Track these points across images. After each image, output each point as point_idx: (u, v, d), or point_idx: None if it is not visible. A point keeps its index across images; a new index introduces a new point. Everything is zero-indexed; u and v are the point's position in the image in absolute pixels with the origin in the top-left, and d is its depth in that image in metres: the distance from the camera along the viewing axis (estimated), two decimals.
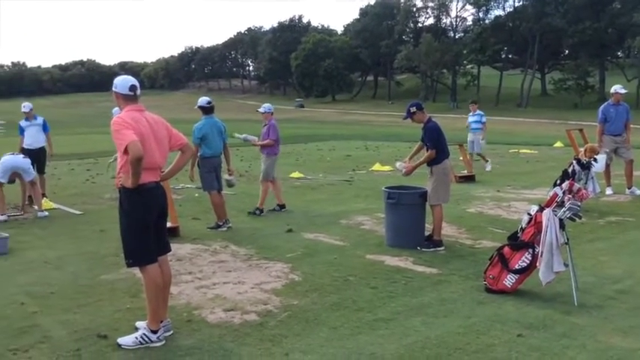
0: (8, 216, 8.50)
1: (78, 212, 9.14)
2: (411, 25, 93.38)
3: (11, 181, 8.65)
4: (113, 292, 4.94)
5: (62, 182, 12.87)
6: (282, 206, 8.89)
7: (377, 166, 14.77)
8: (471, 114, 14.09)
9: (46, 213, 8.76)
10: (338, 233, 7.14)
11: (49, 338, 3.94)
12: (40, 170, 9.90)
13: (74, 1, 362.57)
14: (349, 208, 8.94)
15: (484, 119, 13.94)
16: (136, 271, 5.48)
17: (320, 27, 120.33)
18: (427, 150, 6.39)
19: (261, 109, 8.96)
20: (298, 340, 3.83)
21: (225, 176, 7.96)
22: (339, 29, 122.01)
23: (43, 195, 9.89)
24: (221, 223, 7.57)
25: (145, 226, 3.82)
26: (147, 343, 3.79)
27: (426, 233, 6.45)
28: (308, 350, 3.68)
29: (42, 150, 9.95)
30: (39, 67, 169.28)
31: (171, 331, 3.99)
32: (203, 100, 7.78)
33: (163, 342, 3.85)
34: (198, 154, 7.53)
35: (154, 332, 3.84)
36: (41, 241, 7.06)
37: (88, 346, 3.80)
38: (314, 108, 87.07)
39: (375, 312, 4.38)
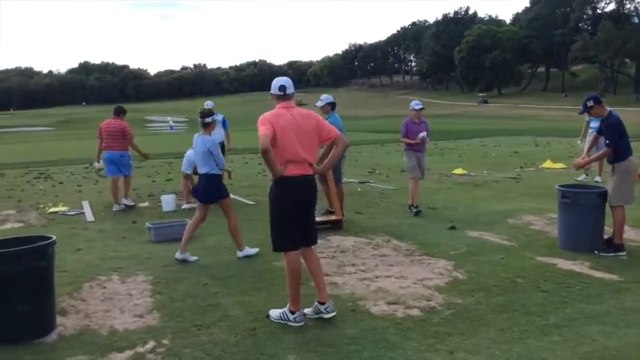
0: (192, 206, 9.36)
1: (251, 203, 9.81)
2: (589, 11, 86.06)
3: (195, 172, 9.53)
4: (284, 278, 5.21)
5: (237, 174, 13.86)
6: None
7: (548, 164, 13.90)
8: None
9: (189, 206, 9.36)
10: (504, 232, 6.86)
11: (229, 317, 4.30)
12: None
13: (250, 4, 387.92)
14: (517, 206, 8.53)
15: None
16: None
17: (487, 18, 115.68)
18: (606, 146, 5.89)
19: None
20: (463, 340, 3.75)
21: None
22: (508, 19, 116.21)
23: None
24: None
25: (287, 215, 4.10)
26: (285, 321, 4.13)
27: (605, 236, 5.95)
28: (474, 350, 3.59)
29: (221, 145, 10.81)
30: (218, 68, 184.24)
31: (334, 313, 4.18)
32: (329, 97, 8.00)
33: (301, 324, 4.09)
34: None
35: (292, 313, 4.13)
36: (219, 229, 7.68)
37: (262, 326, 4.08)
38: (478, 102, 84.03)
39: (547, 317, 4.14)
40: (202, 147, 6.05)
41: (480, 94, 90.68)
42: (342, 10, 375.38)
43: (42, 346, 3.85)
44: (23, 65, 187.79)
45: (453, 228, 7.15)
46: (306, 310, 4.27)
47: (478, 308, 4.34)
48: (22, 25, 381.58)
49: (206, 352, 3.67)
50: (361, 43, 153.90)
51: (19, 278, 3.83)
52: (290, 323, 4.11)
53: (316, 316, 4.22)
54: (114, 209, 9.36)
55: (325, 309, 4.19)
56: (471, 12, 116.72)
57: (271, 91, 4.25)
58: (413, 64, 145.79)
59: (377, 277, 5.19)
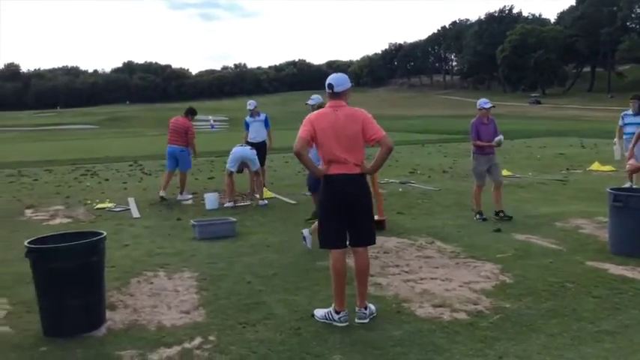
0: (235, 204, 9.44)
1: (293, 202, 9.85)
2: (638, 10, 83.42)
3: (239, 170, 9.65)
4: (328, 278, 5.16)
5: (278, 174, 13.98)
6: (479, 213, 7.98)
7: (596, 166, 13.51)
8: None
9: (266, 202, 9.58)
10: (552, 236, 6.69)
11: (273, 315, 4.31)
12: (261, 162, 10.84)
13: (291, 3, 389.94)
14: (565, 209, 8.31)
15: None
16: (349, 260, 5.80)
17: (530, 17, 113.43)
18: None
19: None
20: (513, 345, 3.67)
21: None
22: (552, 18, 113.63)
23: (263, 185, 10.86)
24: None
25: (331, 213, 4.11)
26: (330, 320, 4.11)
27: None
28: (524, 356, 3.51)
29: (263, 144, 10.89)
30: (258, 68, 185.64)
31: (366, 320, 4.12)
32: (318, 97, 8.01)
33: (346, 324, 4.06)
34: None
35: (337, 313, 4.11)
36: (262, 227, 7.74)
37: (307, 325, 4.08)
38: (520, 102, 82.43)
39: (599, 323, 4.01)
40: None
41: (533, 95, 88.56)
42: (382, 10, 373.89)
43: (92, 339, 3.93)
44: (70, 64, 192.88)
45: (498, 230, 7.01)
46: (317, 312, 4.22)
47: (527, 313, 4.24)
48: (69, 25, 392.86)
49: (252, 349, 3.69)
50: (401, 42, 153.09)
51: (72, 273, 3.93)
52: (335, 323, 4.09)
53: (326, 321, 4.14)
54: (160, 193, 10.17)
55: (339, 318, 4.09)
56: (515, 11, 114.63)
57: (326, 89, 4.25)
58: (454, 63, 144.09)
59: (422, 279, 5.13)
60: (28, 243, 4.02)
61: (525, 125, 38.12)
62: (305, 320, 4.18)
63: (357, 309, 4.18)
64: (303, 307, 4.45)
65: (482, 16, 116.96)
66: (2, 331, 4.14)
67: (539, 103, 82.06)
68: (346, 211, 4.10)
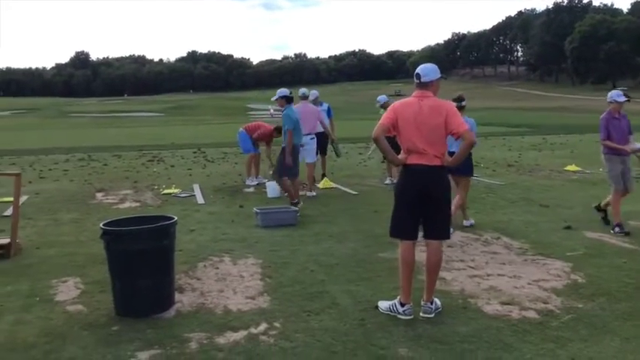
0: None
1: (354, 192, 9.82)
2: None
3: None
4: (390, 270, 5.17)
5: (338, 164, 13.95)
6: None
7: None
8: None
9: (314, 193, 9.44)
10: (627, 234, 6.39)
11: (337, 305, 4.31)
12: (323, 152, 10.87)
13: None
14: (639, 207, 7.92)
15: None
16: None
17: (602, 6, 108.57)
18: None
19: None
20: (586, 347, 3.53)
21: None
22: (625, 8, 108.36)
23: (323, 175, 10.88)
24: (297, 200, 8.04)
25: (405, 203, 4.09)
26: (394, 313, 4.08)
27: None
28: (597, 359, 3.37)
29: (324, 133, 10.89)
30: (317, 58, 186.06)
31: (432, 315, 4.07)
32: (284, 90, 8.36)
33: (410, 317, 4.01)
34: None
35: (402, 305, 4.07)
36: (324, 217, 7.75)
37: (371, 317, 4.05)
38: (590, 96, 79.16)
39: None
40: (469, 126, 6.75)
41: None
42: None
43: (161, 321, 4.05)
44: (136, 53, 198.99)
45: (568, 228, 6.76)
46: (382, 304, 4.19)
47: (601, 314, 4.07)
48: (137, 14, 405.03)
49: (316, 338, 3.70)
50: (464, 32, 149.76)
51: (144, 255, 4.05)
52: (399, 316, 4.05)
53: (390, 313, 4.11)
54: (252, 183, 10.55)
55: (404, 311, 4.04)
56: (585, 0, 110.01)
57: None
58: (519, 54, 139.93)
59: (488, 275, 5.00)
60: (103, 225, 4.16)
61: (594, 120, 36.66)
62: (369, 311, 4.16)
63: (422, 303, 4.13)
64: (367, 298, 4.43)
65: (550, 6, 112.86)
66: (77, 309, 4.32)
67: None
68: (421, 202, 4.04)
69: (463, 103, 6.69)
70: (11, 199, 7.44)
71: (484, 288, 4.68)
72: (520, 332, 3.77)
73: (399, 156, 4.14)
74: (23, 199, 8.75)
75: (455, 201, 6.32)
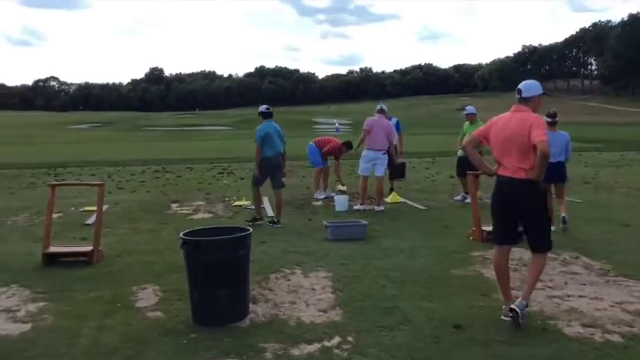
0: (365, 207, 9.46)
1: (422, 207, 9.71)
2: None
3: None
4: (463, 288, 5.09)
5: (406, 178, 13.84)
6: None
7: None
8: None
9: (382, 208, 9.35)
10: None
11: (410, 322, 4.26)
12: (392, 171, 10.77)
13: (416, 6, 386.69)
14: None
15: None
16: (484, 270, 5.63)
17: None
18: None
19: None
20: None
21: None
22: None
23: (391, 189, 10.82)
24: (259, 217, 8.29)
25: (494, 211, 4.33)
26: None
27: None
28: None
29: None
30: (382, 72, 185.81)
31: (523, 310, 4.08)
32: (262, 106, 8.63)
33: (506, 318, 4.16)
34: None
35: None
36: (392, 231, 7.70)
37: (445, 335, 3.98)
38: None
39: None
40: (562, 140, 7.40)
41: None
42: (515, 10, 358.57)
43: (237, 330, 4.13)
44: (207, 69, 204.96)
45: None
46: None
47: None
48: (207, 31, 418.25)
49: (390, 354, 3.67)
50: (535, 44, 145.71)
51: (222, 265, 4.15)
52: (502, 316, 4.22)
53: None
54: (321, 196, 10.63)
55: (503, 311, 4.26)
56: None
57: None
58: (593, 67, 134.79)
59: (568, 296, 4.81)
60: (183, 235, 4.30)
61: None
62: (443, 329, 4.09)
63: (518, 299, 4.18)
64: (440, 316, 4.36)
65: (625, 18, 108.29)
66: (156, 316, 4.48)
67: None
68: (511, 213, 4.22)
69: (556, 119, 7.37)
70: (93, 208, 7.84)
71: (564, 309, 4.51)
72: (604, 356, 3.62)
73: (493, 167, 4.41)
74: (104, 208, 9.16)
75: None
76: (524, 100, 4.23)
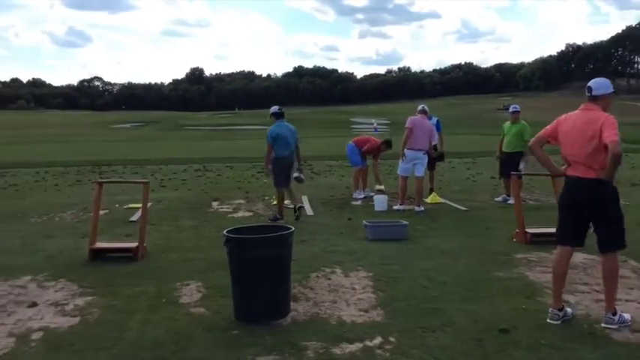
0: (405, 207, 9.40)
1: (463, 208, 9.59)
2: None
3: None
4: (507, 290, 5.00)
5: (445, 178, 13.73)
6: None
7: None
8: None
9: (422, 208, 9.26)
10: None
11: (452, 323, 4.21)
12: (431, 167, 10.70)
13: (457, 6, 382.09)
14: None
15: None
16: (529, 272, 5.53)
17: None
18: None
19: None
20: None
21: (295, 174, 8.76)
22: None
23: (431, 190, 10.71)
24: (279, 217, 8.45)
25: (561, 210, 4.27)
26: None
27: None
28: None
29: (434, 148, 10.72)
30: (422, 71, 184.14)
31: (614, 326, 4.04)
32: (274, 107, 8.80)
33: (554, 322, 4.14)
34: (272, 154, 8.41)
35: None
36: (433, 232, 7.63)
37: (490, 338, 3.92)
38: None
39: None
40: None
41: None
42: (560, 9, 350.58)
43: (279, 328, 4.16)
44: (246, 69, 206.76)
45: None
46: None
47: None
48: (247, 31, 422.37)
49: (434, 355, 3.63)
50: (579, 43, 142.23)
51: (265, 263, 4.19)
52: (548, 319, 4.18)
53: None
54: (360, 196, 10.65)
55: (549, 314, 4.21)
56: None
57: None
58: (639, 66, 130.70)
59: (616, 301, 4.68)
60: (227, 232, 4.36)
61: None
62: (487, 332, 4.03)
63: (604, 314, 4.11)
64: (484, 318, 4.29)
65: None
66: (199, 311, 4.55)
67: None
68: (580, 213, 4.14)
69: None
70: (138, 205, 8.02)
71: None
72: None
73: (562, 167, 4.32)
74: (148, 206, 9.35)
75: None
76: (593, 99, 4.13)
